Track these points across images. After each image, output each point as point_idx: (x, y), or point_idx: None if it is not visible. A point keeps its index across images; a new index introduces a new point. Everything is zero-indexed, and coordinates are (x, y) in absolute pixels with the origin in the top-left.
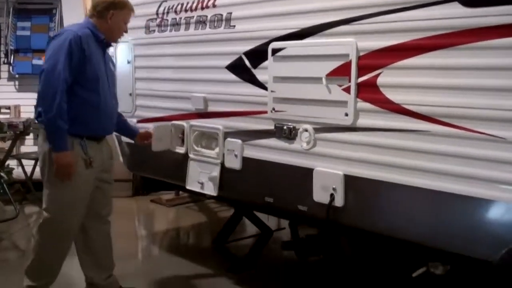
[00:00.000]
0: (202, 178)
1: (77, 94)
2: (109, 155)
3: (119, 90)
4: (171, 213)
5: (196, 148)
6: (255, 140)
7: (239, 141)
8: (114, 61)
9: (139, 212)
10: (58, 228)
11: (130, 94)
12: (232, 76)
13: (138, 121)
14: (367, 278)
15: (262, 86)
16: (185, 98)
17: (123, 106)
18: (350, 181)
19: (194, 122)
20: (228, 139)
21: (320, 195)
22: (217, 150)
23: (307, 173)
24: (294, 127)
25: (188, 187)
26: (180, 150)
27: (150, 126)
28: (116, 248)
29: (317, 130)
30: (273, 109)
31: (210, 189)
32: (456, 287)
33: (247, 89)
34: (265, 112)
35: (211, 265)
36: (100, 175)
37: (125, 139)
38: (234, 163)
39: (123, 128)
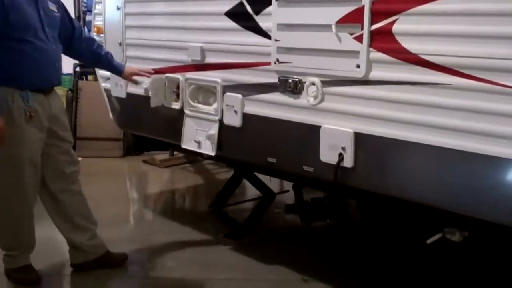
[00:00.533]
0: (199, 137)
1: (8, 46)
2: (61, 110)
3: (108, 39)
4: (165, 174)
5: (192, 103)
6: (257, 95)
7: (239, 95)
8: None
9: (130, 173)
10: (8, 190)
11: (120, 44)
12: (232, 24)
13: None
14: (378, 245)
15: (265, 34)
16: (180, 49)
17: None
18: (361, 140)
19: (190, 75)
20: (227, 93)
21: (327, 155)
22: (215, 105)
23: (314, 131)
24: (300, 80)
25: (183, 146)
26: (175, 105)
27: (142, 80)
28: (105, 212)
29: (325, 84)
30: (277, 60)
31: (208, 148)
32: (474, 255)
33: (249, 38)
34: (268, 63)
35: (208, 230)
36: (55, 133)
37: (115, 92)
38: (233, 120)
39: (107, 63)
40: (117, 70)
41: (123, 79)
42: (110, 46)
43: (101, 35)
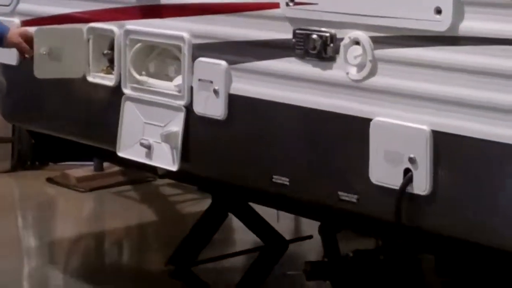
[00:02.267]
0: (148, 137)
1: None
2: None
3: None
4: (87, 204)
5: (137, 76)
6: (253, 62)
7: (223, 63)
8: None
9: (25, 202)
10: None
11: None
12: None
13: (24, 23)
14: None
15: None
16: None
17: None
18: (445, 144)
19: (133, 25)
20: (201, 59)
21: (383, 173)
22: (178, 81)
23: (358, 127)
24: (332, 36)
25: (121, 154)
26: (106, 80)
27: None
28: None
29: (378, 42)
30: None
31: (165, 159)
32: None
33: None
34: (276, 5)
35: None
36: None
37: None
38: (212, 107)
39: None
40: None
41: (5, 48)
42: None
43: None
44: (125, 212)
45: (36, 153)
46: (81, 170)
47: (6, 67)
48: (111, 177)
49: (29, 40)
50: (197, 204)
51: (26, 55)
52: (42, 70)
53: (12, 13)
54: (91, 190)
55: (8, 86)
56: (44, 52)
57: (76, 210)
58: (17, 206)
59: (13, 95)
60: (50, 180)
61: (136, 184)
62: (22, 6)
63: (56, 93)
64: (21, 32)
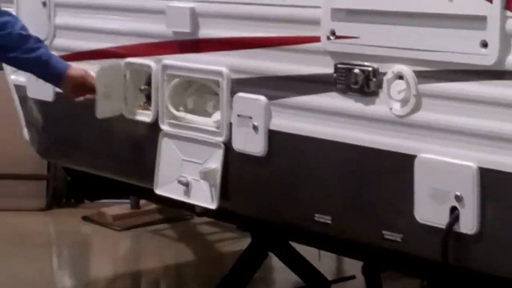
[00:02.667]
0: (186, 174)
1: None
2: None
3: None
4: (125, 242)
5: (175, 112)
6: (293, 97)
7: (262, 98)
8: None
9: (60, 242)
10: None
11: (45, 4)
12: None
13: (61, 59)
14: None
15: None
16: (153, 12)
17: (30, 28)
18: (493, 181)
19: (172, 60)
20: (240, 94)
21: (428, 211)
22: (217, 116)
23: (402, 164)
24: (374, 70)
25: (158, 192)
26: (143, 116)
27: (87, 69)
28: None
29: (422, 77)
30: (333, 33)
31: (204, 197)
32: None
33: None
34: (316, 39)
35: None
36: None
37: (34, 92)
38: (251, 143)
39: (38, 59)
40: (54, 74)
41: (63, 91)
42: (26, 8)
43: None
44: (162, 251)
45: (72, 190)
46: (118, 208)
47: (41, 103)
48: (148, 215)
49: (86, 80)
50: (236, 243)
51: (86, 96)
52: (103, 110)
53: (49, 48)
54: (128, 228)
55: (43, 123)
56: (103, 90)
57: (112, 249)
58: (52, 245)
59: (48, 131)
60: (86, 218)
61: (173, 222)
62: (58, 41)
63: (92, 130)
64: (80, 69)
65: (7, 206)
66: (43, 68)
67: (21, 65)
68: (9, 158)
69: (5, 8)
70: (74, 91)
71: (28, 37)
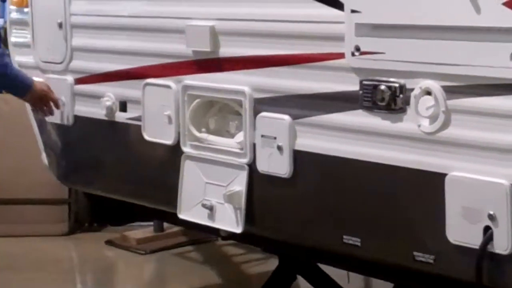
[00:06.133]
0: (210, 197)
1: None
2: None
3: (37, 18)
4: (148, 266)
5: (197, 134)
6: (318, 116)
7: (286, 117)
8: None
9: (83, 267)
10: None
11: (61, 26)
12: None
13: (78, 81)
14: None
15: (331, 2)
16: (172, 31)
17: (46, 50)
18: None
19: (192, 80)
20: (263, 114)
21: (461, 230)
22: (239, 137)
23: (433, 183)
24: (401, 86)
25: (182, 216)
26: (164, 138)
27: (105, 91)
28: None
29: (451, 92)
30: (357, 49)
31: (228, 220)
32: None
33: (302, 9)
34: (341, 55)
35: None
36: None
37: (51, 117)
38: (276, 164)
39: (4, 74)
40: (22, 84)
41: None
42: (42, 30)
43: (25, 9)
44: (187, 275)
45: (94, 214)
46: (141, 231)
47: (59, 127)
48: (172, 237)
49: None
50: (263, 264)
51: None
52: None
53: (65, 70)
54: (152, 252)
55: (61, 147)
56: None
57: (136, 274)
58: (76, 270)
59: (67, 156)
60: (109, 242)
61: (198, 245)
62: (75, 63)
63: (112, 153)
64: (44, 83)
65: (29, 232)
66: (11, 82)
67: None
68: (29, 183)
69: (22, 30)
70: (36, 102)
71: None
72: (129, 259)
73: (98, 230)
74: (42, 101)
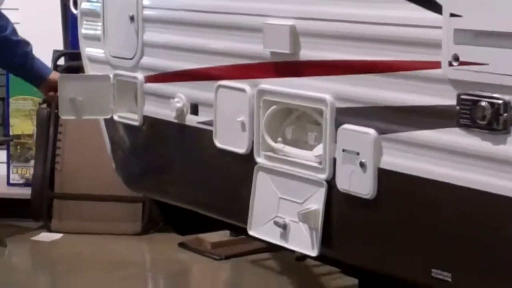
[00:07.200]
0: (284, 214)
1: None
2: None
3: (109, 10)
4: (223, 272)
5: (272, 143)
6: (408, 132)
7: (371, 131)
8: None
9: (154, 270)
10: None
11: (132, 19)
12: None
13: (148, 79)
14: None
15: (428, 3)
16: (248, 30)
17: (116, 44)
18: None
19: (269, 84)
20: (346, 126)
21: None
22: (318, 150)
23: None
24: (505, 103)
25: (252, 233)
26: (236, 146)
27: (176, 91)
28: None
29: None
30: (456, 58)
31: (303, 242)
32: None
33: (394, 10)
34: (436, 64)
35: None
36: None
37: (121, 118)
38: (357, 183)
39: (24, 64)
40: (39, 75)
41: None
42: (113, 22)
43: (94, 1)
44: (263, 284)
45: (166, 216)
46: (217, 234)
47: (127, 127)
48: (249, 242)
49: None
50: (343, 277)
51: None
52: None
53: (135, 67)
54: (227, 257)
55: (128, 150)
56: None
57: (210, 280)
58: (147, 273)
59: (133, 159)
60: (182, 245)
61: (276, 252)
62: (146, 60)
63: (180, 159)
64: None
65: (101, 230)
66: (27, 72)
67: (8, 69)
68: (103, 179)
69: (93, 21)
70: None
71: (18, 42)
72: (203, 264)
73: (171, 231)
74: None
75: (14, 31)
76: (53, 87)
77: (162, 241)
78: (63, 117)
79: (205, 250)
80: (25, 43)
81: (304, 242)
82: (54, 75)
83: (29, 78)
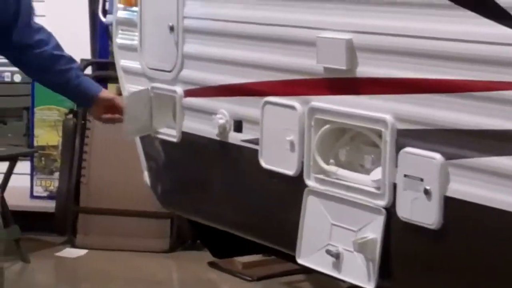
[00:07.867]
0: (337, 242)
1: None
2: None
3: (147, 19)
4: None
5: (324, 165)
6: (478, 158)
7: (437, 156)
8: None
9: None
10: None
11: (172, 29)
12: None
13: (188, 93)
14: None
15: (506, 19)
16: (300, 43)
17: (154, 56)
18: None
19: (322, 102)
20: (408, 149)
21: None
22: (376, 174)
23: None
24: None
25: (301, 261)
26: (285, 167)
27: (218, 106)
28: None
29: None
30: None
31: (358, 273)
32: None
33: (466, 25)
34: (510, 85)
35: None
36: None
37: (157, 133)
38: (421, 212)
39: (67, 82)
40: (86, 94)
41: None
42: (151, 33)
43: (134, 8)
44: None
45: (198, 233)
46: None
47: (164, 143)
48: (282, 263)
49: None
50: None
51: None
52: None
53: (174, 80)
54: (259, 279)
55: (165, 167)
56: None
57: None
58: None
59: (171, 177)
60: (212, 264)
61: (310, 274)
62: (186, 73)
63: (222, 179)
64: (111, 93)
65: (127, 246)
66: (73, 91)
67: (51, 86)
68: (131, 194)
69: (129, 31)
70: (103, 113)
71: (60, 57)
72: (234, 285)
73: (201, 248)
74: (109, 112)
75: (57, 47)
76: (106, 106)
77: (191, 259)
78: (131, 137)
79: (236, 270)
80: (69, 60)
81: (359, 273)
82: (105, 94)
83: (76, 98)
